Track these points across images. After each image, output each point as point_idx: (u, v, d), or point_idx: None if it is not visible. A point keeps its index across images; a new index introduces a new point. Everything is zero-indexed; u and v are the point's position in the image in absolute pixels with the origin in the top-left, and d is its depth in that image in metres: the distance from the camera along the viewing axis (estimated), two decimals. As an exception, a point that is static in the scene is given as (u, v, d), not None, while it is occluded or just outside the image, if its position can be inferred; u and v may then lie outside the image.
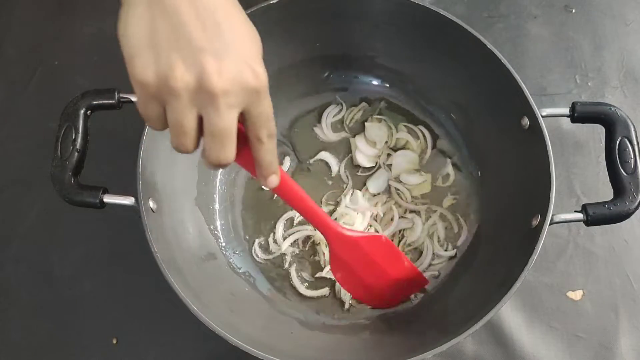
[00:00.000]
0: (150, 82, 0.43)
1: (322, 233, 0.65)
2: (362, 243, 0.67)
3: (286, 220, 0.76)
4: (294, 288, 0.74)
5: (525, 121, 0.65)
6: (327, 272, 0.73)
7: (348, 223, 0.74)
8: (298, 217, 0.76)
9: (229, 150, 0.46)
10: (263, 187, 0.53)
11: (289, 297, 0.73)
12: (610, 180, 0.61)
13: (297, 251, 0.76)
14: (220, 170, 0.78)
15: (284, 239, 0.75)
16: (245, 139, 0.48)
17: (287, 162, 0.79)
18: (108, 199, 0.60)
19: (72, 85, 0.84)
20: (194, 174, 0.75)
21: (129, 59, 0.44)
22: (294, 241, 0.76)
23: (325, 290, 0.73)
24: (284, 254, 0.75)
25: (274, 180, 0.52)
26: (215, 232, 0.76)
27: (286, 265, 0.75)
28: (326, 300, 0.73)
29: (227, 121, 0.44)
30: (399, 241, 0.75)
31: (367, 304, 0.72)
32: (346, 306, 0.73)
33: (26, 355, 0.73)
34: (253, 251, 0.76)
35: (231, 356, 0.59)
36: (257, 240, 0.76)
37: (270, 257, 0.76)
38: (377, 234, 0.69)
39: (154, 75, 0.43)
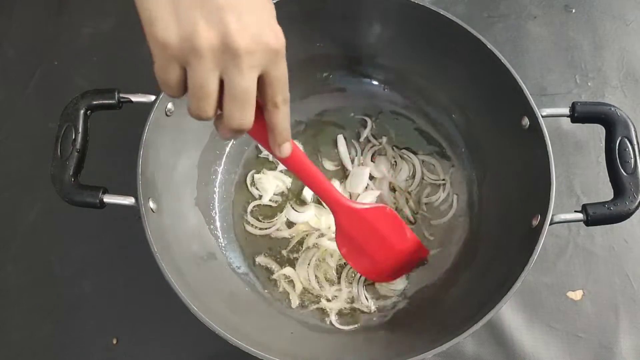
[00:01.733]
0: (173, 42, 0.42)
1: (328, 205, 0.65)
2: (367, 214, 0.67)
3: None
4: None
5: (525, 121, 0.65)
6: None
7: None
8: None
9: (249, 114, 0.45)
10: (273, 159, 0.53)
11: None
12: (610, 180, 0.61)
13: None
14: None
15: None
16: (258, 108, 0.47)
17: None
18: (108, 199, 0.60)
19: (72, 85, 0.84)
20: (194, 174, 0.75)
21: (148, 20, 0.42)
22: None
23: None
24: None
25: (287, 148, 0.51)
26: (215, 232, 0.76)
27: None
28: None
29: (249, 82, 0.44)
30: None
31: (371, 279, 0.73)
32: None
33: (26, 355, 0.73)
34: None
35: (231, 356, 0.59)
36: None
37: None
38: (380, 204, 0.70)
39: (177, 35, 0.41)
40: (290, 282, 0.74)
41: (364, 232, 0.68)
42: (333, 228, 0.70)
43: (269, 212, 0.77)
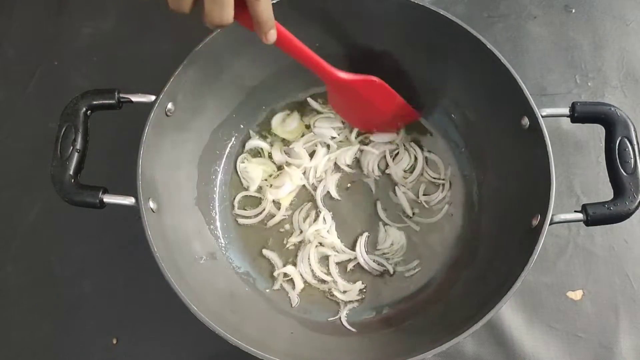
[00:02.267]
0: None
1: (320, 76, 0.69)
2: (357, 85, 0.71)
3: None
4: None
5: (525, 121, 0.65)
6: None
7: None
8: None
9: (228, 11, 0.51)
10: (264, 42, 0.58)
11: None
12: (610, 180, 0.61)
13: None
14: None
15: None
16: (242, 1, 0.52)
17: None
18: (108, 199, 0.60)
19: (72, 85, 0.84)
20: (194, 174, 0.75)
21: None
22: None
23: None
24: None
25: (272, 35, 0.57)
26: (215, 232, 0.76)
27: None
28: (324, 300, 0.74)
29: None
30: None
31: (363, 129, 0.79)
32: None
33: (26, 355, 0.73)
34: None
35: (231, 356, 0.59)
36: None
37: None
38: (370, 76, 0.72)
39: None
40: (290, 280, 0.74)
41: (354, 98, 0.73)
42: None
43: (256, 202, 0.78)
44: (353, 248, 0.75)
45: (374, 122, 0.79)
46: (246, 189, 0.78)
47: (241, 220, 0.77)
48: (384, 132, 0.79)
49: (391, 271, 0.74)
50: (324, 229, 0.75)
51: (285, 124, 0.81)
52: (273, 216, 0.76)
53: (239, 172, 0.79)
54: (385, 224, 0.76)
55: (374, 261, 0.74)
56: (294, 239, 0.75)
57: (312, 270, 0.74)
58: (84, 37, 0.88)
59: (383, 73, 0.80)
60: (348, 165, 0.79)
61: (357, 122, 0.79)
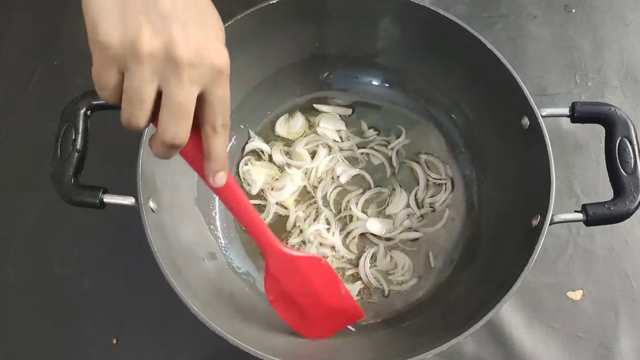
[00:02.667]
0: (114, 44, 0.41)
1: (259, 246, 0.61)
2: (300, 262, 0.63)
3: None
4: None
5: (525, 121, 0.65)
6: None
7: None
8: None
9: (184, 129, 0.43)
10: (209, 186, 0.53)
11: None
12: (610, 180, 0.61)
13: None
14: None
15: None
16: (195, 132, 0.45)
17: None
18: (108, 199, 0.60)
19: (72, 85, 0.84)
20: (194, 174, 0.74)
21: (92, 21, 0.43)
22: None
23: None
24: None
25: (221, 177, 0.49)
26: (216, 232, 0.76)
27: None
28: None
29: (188, 95, 0.42)
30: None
31: (300, 333, 0.68)
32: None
33: (26, 355, 0.73)
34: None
35: (231, 356, 0.59)
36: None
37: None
38: (316, 255, 0.66)
39: (119, 38, 0.41)
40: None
41: (295, 280, 0.63)
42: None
43: (259, 209, 0.77)
44: (357, 260, 0.75)
45: (314, 318, 0.66)
46: (247, 193, 0.78)
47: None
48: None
49: (386, 292, 0.73)
50: (323, 229, 0.75)
51: (289, 125, 0.80)
52: (280, 215, 0.77)
53: (240, 175, 0.78)
54: (390, 249, 0.75)
55: (374, 278, 0.74)
56: (294, 240, 0.75)
57: None
58: (84, 37, 0.87)
59: (383, 73, 0.80)
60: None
61: (295, 320, 0.67)
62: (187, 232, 0.70)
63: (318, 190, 0.77)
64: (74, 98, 0.63)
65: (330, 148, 0.79)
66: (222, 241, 0.75)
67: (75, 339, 0.73)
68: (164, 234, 0.63)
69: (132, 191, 0.61)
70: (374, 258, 0.75)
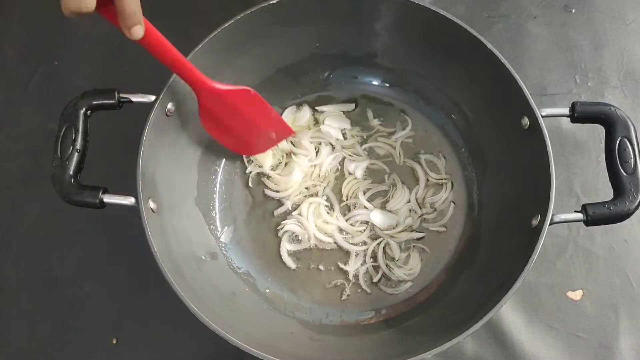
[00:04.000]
0: None
1: (190, 85, 0.64)
2: (230, 95, 0.67)
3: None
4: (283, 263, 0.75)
5: (525, 121, 0.65)
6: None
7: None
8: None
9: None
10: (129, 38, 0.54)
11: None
12: (610, 180, 0.61)
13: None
14: (220, 171, 0.79)
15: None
16: None
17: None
18: (108, 199, 0.60)
19: (72, 85, 0.84)
20: (194, 175, 0.75)
21: None
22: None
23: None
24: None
25: (138, 31, 0.52)
26: (216, 232, 0.76)
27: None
28: (324, 291, 0.74)
29: None
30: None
31: (238, 152, 0.77)
32: (343, 297, 0.73)
33: (26, 355, 0.73)
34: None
35: (231, 356, 0.59)
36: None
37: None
38: (245, 87, 0.69)
39: None
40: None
41: (227, 111, 0.68)
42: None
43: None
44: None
45: (250, 141, 0.75)
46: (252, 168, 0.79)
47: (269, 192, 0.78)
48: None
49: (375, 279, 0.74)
50: (323, 205, 0.76)
51: (295, 117, 0.81)
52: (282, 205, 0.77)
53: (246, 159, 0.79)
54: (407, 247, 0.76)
55: (384, 263, 0.74)
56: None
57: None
58: (84, 37, 0.88)
59: (383, 73, 0.80)
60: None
61: (232, 144, 0.74)
62: (187, 232, 0.70)
63: (319, 190, 0.78)
64: (74, 98, 0.63)
65: (332, 147, 0.79)
66: (222, 241, 0.76)
67: (75, 339, 0.73)
68: (164, 234, 0.63)
69: (132, 191, 0.61)
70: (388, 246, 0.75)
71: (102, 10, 0.51)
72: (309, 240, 0.75)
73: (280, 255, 0.75)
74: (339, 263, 0.74)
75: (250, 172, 0.79)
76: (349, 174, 0.78)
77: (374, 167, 0.79)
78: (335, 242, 0.75)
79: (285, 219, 0.76)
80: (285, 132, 0.77)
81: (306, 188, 0.78)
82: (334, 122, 0.80)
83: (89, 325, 0.73)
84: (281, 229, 0.76)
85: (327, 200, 0.77)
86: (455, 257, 0.74)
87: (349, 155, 0.79)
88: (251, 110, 0.70)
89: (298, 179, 0.77)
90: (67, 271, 0.76)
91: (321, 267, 0.74)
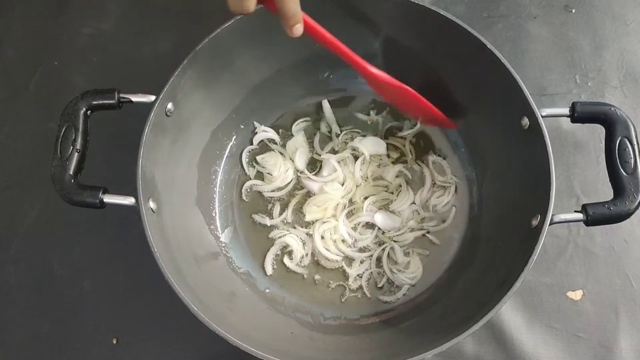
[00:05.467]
0: None
1: (356, 69, 0.69)
2: (392, 82, 0.71)
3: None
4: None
5: (525, 121, 0.65)
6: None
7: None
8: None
9: (250, 2, 0.54)
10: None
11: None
12: (610, 180, 0.61)
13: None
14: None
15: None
16: None
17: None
18: (108, 199, 0.60)
19: (72, 85, 0.84)
20: (194, 174, 0.75)
21: None
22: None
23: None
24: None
25: (298, 29, 0.59)
26: (216, 232, 0.76)
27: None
28: (325, 291, 0.74)
29: None
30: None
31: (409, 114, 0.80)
32: (343, 298, 0.73)
33: (26, 355, 0.73)
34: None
35: (231, 356, 0.59)
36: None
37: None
38: (400, 84, 0.72)
39: None
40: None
41: (391, 90, 0.72)
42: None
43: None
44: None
45: (409, 110, 0.79)
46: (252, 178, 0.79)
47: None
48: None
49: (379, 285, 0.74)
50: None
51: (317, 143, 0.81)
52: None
53: (258, 166, 0.79)
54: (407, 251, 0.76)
55: (388, 267, 0.74)
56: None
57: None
58: (84, 37, 0.88)
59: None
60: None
61: (399, 104, 0.79)
62: (187, 232, 0.70)
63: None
64: (74, 98, 0.63)
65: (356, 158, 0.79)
66: (223, 241, 0.76)
67: (75, 339, 0.73)
68: (164, 234, 0.63)
69: (132, 191, 0.61)
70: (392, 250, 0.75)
71: (266, 4, 0.57)
72: (301, 259, 0.75)
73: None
74: (342, 264, 0.74)
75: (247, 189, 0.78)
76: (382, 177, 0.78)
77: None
78: (342, 259, 0.75)
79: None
80: (447, 122, 0.77)
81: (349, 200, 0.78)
82: (368, 144, 0.80)
83: (89, 325, 0.73)
84: (278, 237, 0.76)
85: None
86: (455, 258, 0.74)
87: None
88: (409, 102, 0.74)
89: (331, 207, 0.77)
90: (67, 271, 0.76)
91: (322, 270, 0.75)
